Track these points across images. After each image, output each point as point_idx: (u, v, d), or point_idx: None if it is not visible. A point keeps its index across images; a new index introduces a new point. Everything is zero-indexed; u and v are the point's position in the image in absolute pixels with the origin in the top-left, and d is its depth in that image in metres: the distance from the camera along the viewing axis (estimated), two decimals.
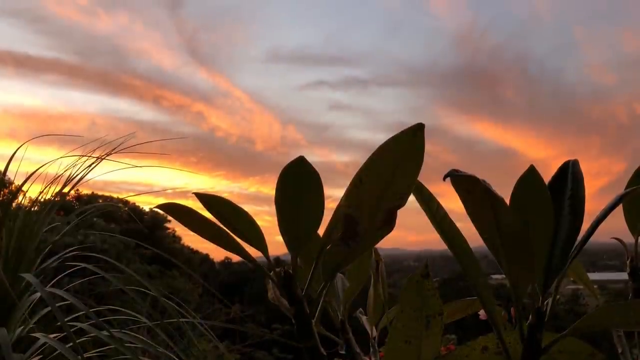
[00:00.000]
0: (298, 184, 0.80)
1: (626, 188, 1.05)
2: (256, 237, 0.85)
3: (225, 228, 0.84)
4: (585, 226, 0.84)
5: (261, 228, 0.85)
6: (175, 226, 17.33)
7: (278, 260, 0.93)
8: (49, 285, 1.76)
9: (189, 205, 0.86)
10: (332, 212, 0.81)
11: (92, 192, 11.47)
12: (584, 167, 0.91)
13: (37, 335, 1.60)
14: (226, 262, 25.03)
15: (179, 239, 18.58)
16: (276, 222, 0.82)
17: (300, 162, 0.79)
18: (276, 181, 0.80)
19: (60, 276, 1.93)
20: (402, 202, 0.78)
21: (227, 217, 0.84)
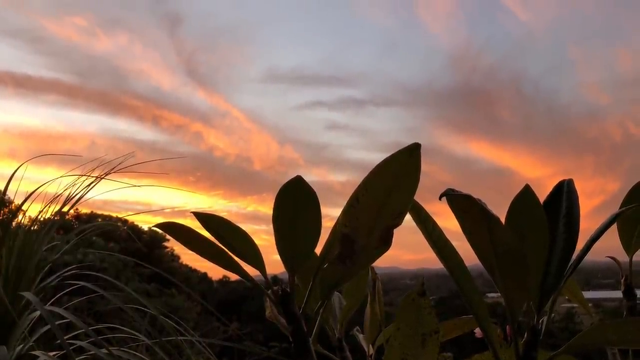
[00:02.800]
0: (295, 203, 0.81)
1: (620, 207, 1.06)
2: (254, 256, 0.85)
3: (223, 247, 0.85)
4: (580, 245, 0.85)
5: (259, 247, 0.86)
6: (174, 245, 17.33)
7: (276, 278, 0.94)
8: (48, 304, 1.76)
9: (188, 225, 0.87)
10: (329, 231, 0.82)
11: (92, 211, 11.47)
12: (578, 186, 0.92)
13: (37, 353, 1.60)
14: (224, 281, 25.01)
15: (178, 257, 18.61)
16: (274, 241, 0.83)
17: (298, 181, 0.79)
18: (274, 200, 0.81)
19: (59, 294, 1.93)
20: (398, 221, 0.79)
21: (225, 236, 0.85)
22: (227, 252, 0.85)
